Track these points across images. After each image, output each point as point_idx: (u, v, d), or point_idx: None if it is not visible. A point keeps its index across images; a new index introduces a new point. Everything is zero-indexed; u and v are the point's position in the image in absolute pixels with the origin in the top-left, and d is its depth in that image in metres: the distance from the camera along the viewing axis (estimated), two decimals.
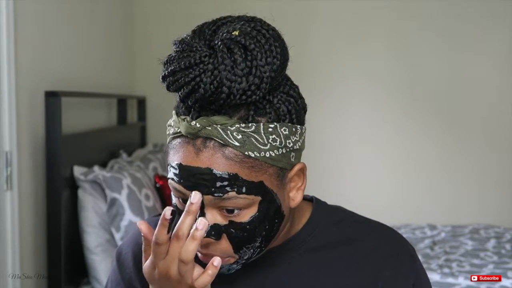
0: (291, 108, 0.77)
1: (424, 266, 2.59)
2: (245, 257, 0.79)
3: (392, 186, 3.45)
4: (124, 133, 3.11)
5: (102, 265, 2.26)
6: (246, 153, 0.73)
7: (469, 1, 3.35)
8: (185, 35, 0.76)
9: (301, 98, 0.81)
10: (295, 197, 0.81)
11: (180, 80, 0.72)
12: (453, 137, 3.39)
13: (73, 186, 2.33)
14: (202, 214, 0.76)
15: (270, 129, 0.74)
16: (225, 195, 0.73)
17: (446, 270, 2.51)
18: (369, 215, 0.94)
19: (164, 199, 2.69)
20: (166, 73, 0.74)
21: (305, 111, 0.81)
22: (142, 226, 0.76)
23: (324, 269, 0.85)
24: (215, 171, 0.73)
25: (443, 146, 3.40)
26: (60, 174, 2.20)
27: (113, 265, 0.93)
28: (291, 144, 0.77)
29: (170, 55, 0.75)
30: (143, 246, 0.78)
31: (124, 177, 2.37)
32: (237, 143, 0.73)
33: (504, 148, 3.34)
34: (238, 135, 0.73)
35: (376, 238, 0.88)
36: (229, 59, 0.71)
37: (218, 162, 0.73)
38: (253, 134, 0.73)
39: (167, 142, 0.80)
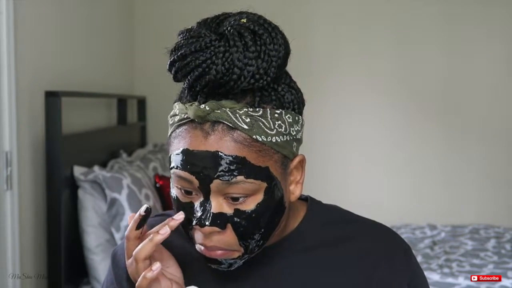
0: (294, 98, 0.79)
1: (424, 266, 2.61)
2: (249, 250, 0.79)
3: (392, 186, 3.45)
4: (124, 133, 3.11)
5: (102, 265, 2.26)
6: (254, 136, 0.74)
7: (469, 3, 3.35)
8: (190, 26, 0.77)
9: (301, 92, 0.82)
10: (294, 190, 0.82)
11: (190, 64, 0.73)
12: (453, 137, 3.39)
13: (73, 186, 2.33)
14: (208, 201, 0.76)
15: (276, 115, 0.76)
16: (233, 179, 0.73)
17: (446, 270, 2.51)
18: (369, 215, 0.94)
19: (164, 199, 2.69)
20: (175, 58, 0.75)
21: (303, 104, 0.83)
22: (130, 219, 0.80)
23: (319, 268, 0.85)
24: (223, 154, 0.73)
25: (443, 146, 3.41)
26: (60, 174, 2.20)
27: (108, 265, 0.94)
28: (294, 133, 0.78)
29: (177, 42, 0.76)
30: None
31: (124, 177, 2.37)
32: (246, 126, 0.73)
33: (504, 148, 3.34)
34: (246, 119, 0.74)
35: (371, 237, 0.88)
36: (240, 42, 0.72)
37: (227, 146, 0.73)
38: (260, 118, 0.74)
39: (170, 133, 0.79)
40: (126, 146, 3.01)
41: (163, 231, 0.76)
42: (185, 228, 0.80)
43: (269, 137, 0.75)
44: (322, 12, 3.44)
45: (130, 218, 0.79)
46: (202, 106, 0.74)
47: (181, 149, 0.76)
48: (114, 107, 3.10)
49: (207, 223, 0.75)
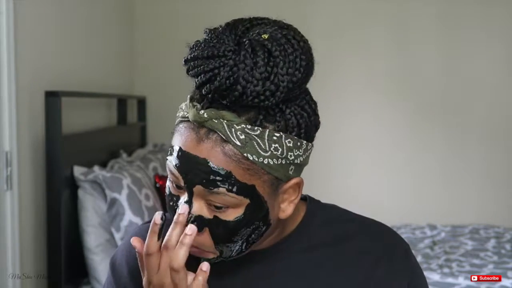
0: (302, 123, 0.77)
1: (424, 266, 2.61)
2: (224, 255, 0.79)
3: (392, 186, 3.45)
4: (124, 133, 3.11)
5: (102, 265, 2.26)
6: (245, 154, 0.73)
7: (468, 3, 3.35)
8: (218, 25, 0.76)
9: (316, 115, 0.81)
10: (286, 209, 0.81)
11: (199, 68, 0.73)
12: (453, 138, 3.39)
13: (73, 186, 2.33)
14: (190, 202, 0.76)
15: (274, 138, 0.74)
16: (215, 189, 0.74)
17: (446, 270, 2.51)
18: (369, 215, 0.93)
19: (164, 199, 2.68)
20: (189, 58, 0.75)
21: (317, 128, 0.81)
22: (136, 243, 0.77)
23: (318, 268, 0.85)
24: (211, 164, 0.73)
25: (443, 146, 3.41)
26: (60, 174, 2.20)
27: (108, 274, 0.93)
28: (293, 157, 0.76)
29: (198, 40, 0.75)
30: (139, 262, 0.78)
31: (124, 177, 2.37)
32: (238, 143, 0.73)
33: (504, 148, 3.34)
34: (241, 135, 0.73)
35: (370, 236, 0.88)
36: (250, 59, 0.71)
37: (216, 156, 0.73)
38: (256, 137, 0.73)
39: (175, 124, 0.80)
40: (126, 146, 3.01)
41: (190, 231, 0.74)
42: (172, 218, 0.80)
43: (261, 158, 0.73)
44: (321, 13, 3.44)
45: (135, 241, 0.77)
46: (201, 112, 0.74)
47: (176, 146, 0.77)
48: (114, 107, 3.10)
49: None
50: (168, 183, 0.81)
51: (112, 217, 2.31)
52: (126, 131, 3.14)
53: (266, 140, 0.74)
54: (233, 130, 0.73)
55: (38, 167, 2.25)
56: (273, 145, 0.74)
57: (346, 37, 3.44)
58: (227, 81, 0.71)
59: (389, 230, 0.90)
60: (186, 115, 0.76)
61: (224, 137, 0.73)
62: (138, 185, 2.42)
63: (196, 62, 0.73)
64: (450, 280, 2.37)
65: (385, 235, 0.89)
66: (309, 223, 0.87)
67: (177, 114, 0.79)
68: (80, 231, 2.31)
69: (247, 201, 0.75)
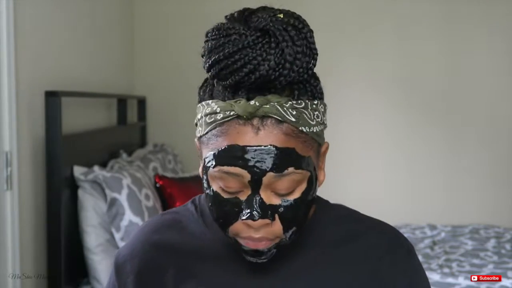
0: (320, 88, 0.82)
1: (424, 266, 2.61)
2: (289, 237, 0.79)
3: (392, 186, 3.45)
4: (124, 133, 3.11)
5: (102, 265, 2.26)
6: (300, 128, 0.76)
7: (470, 0, 3.35)
8: (219, 23, 0.76)
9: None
10: (320, 176, 0.83)
11: (239, 61, 0.73)
12: (453, 137, 3.39)
13: (73, 186, 2.33)
14: (256, 195, 0.76)
15: (314, 106, 0.78)
16: (285, 171, 0.75)
17: (446, 270, 2.51)
18: (369, 215, 0.94)
19: (164, 199, 2.69)
20: (221, 56, 0.74)
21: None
22: None
23: (326, 265, 0.86)
24: (277, 147, 0.74)
25: (444, 146, 3.40)
26: (60, 174, 2.20)
27: (111, 275, 0.93)
28: (326, 121, 0.82)
29: (209, 44, 0.75)
30: None
31: (124, 177, 2.37)
32: (293, 119, 0.75)
33: (504, 148, 3.34)
34: (293, 111, 0.75)
35: (376, 236, 0.89)
36: (288, 36, 0.73)
37: (279, 139, 0.74)
38: (304, 110, 0.77)
39: (204, 132, 0.78)
40: (126, 146, 3.01)
41: None
42: (226, 223, 0.78)
43: (312, 127, 0.77)
44: (321, 11, 3.43)
45: None
46: (252, 102, 0.74)
47: (229, 145, 0.75)
48: (114, 107, 3.10)
49: (258, 216, 0.75)
50: (217, 190, 0.78)
51: (112, 217, 2.31)
52: (126, 131, 3.14)
53: (309, 110, 0.77)
54: (285, 109, 0.75)
55: (38, 167, 2.25)
56: (314, 113, 0.78)
57: (346, 36, 3.44)
58: (275, 63, 0.73)
59: (394, 231, 0.92)
60: (231, 114, 0.74)
61: (280, 118, 0.74)
62: (138, 185, 2.42)
63: (230, 58, 0.73)
64: (450, 280, 2.37)
65: (389, 235, 0.90)
66: (318, 221, 0.89)
67: (209, 121, 0.77)
68: (80, 231, 2.31)
69: (308, 173, 0.78)
